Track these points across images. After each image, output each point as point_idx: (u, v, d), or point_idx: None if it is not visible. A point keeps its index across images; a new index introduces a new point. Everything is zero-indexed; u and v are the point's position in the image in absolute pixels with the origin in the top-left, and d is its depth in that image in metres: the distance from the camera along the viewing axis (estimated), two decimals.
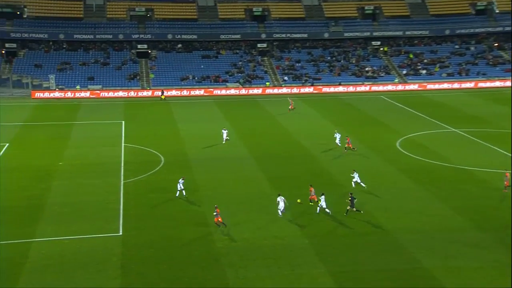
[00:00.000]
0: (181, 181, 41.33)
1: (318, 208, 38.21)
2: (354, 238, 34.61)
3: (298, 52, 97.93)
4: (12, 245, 33.19)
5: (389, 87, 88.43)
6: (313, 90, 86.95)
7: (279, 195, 38.34)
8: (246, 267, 31.17)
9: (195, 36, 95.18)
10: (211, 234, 34.90)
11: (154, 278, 30.07)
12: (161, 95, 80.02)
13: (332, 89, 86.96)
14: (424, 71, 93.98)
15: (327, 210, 37.91)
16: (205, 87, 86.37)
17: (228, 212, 38.33)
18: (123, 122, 64.73)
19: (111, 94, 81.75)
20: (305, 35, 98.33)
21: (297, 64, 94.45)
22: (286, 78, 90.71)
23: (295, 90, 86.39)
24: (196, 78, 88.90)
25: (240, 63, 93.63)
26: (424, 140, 57.37)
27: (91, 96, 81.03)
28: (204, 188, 43.17)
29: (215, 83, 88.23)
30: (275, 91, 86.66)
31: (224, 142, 54.98)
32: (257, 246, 33.60)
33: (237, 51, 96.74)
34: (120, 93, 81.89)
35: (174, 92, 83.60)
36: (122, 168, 47.82)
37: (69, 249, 32.83)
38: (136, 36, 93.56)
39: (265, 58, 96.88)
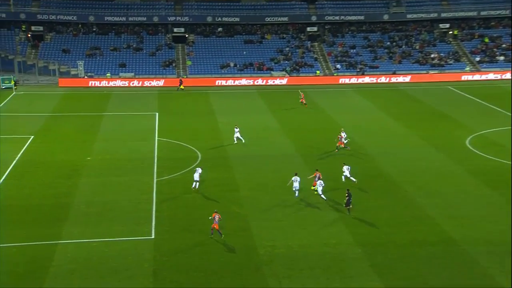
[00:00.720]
0: (198, 170, 42.64)
1: (315, 192, 41.16)
2: (415, 249, 34.07)
3: (353, 37, 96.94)
4: (37, 247, 34.21)
5: (459, 77, 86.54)
6: (369, 79, 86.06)
7: (295, 175, 41.23)
8: (290, 278, 31.18)
9: (237, 19, 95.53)
10: (252, 240, 35.07)
11: (189, 287, 30.43)
12: (179, 84, 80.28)
13: (391, 79, 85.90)
14: (501, 58, 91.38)
15: (322, 196, 40.80)
16: (248, 76, 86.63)
17: (271, 215, 38.47)
18: (157, 113, 65.71)
19: (144, 82, 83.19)
20: (362, 17, 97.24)
21: (351, 51, 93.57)
22: (338, 66, 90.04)
23: (347, 81, 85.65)
24: (237, 65, 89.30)
25: (287, 49, 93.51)
26: (499, 137, 55.89)
27: (123, 85, 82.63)
28: (245, 188, 43.41)
29: (259, 72, 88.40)
30: (326, 80, 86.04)
31: (236, 142, 53.76)
32: (304, 254, 33.58)
33: (284, 35, 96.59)
34: (154, 82, 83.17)
35: (212, 81, 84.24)
36: (155, 164, 48.58)
37: (97, 252, 33.62)
38: (173, 18, 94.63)
39: (316, 43, 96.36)
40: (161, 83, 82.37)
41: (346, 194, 38.97)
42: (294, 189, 41.12)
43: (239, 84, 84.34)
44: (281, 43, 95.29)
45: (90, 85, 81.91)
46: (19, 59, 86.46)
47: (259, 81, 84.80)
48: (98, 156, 50.84)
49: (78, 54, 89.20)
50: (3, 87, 78.43)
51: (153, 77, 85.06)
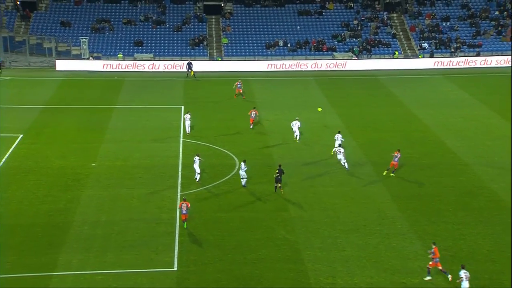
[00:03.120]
0: (196, 159, 47.21)
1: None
2: None
3: (447, 5, 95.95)
4: (25, 280, 34.71)
5: None
6: (468, 62, 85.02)
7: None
8: None
9: None
10: (305, 275, 35.05)
11: None
12: (188, 69, 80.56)
13: (500, 62, 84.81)
14: None
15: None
16: (302, 58, 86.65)
17: (330, 243, 38.36)
18: (183, 107, 66.23)
19: (166, 66, 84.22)
20: None
21: (443, 24, 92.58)
22: (425, 45, 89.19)
23: (437, 64, 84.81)
24: (289, 44, 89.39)
25: (355, 22, 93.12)
26: None
27: (138, 69, 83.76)
28: (297, 207, 43.40)
29: (317, 53, 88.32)
30: (407, 64, 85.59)
31: (188, 133, 57.97)
32: None
33: (352, 4, 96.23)
34: (179, 66, 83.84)
35: (255, 65, 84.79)
36: (180, 174, 49.03)
37: None
38: None
39: (394, 14, 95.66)
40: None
41: (277, 171, 44.86)
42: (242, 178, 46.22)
43: (291, 68, 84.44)
44: (348, 14, 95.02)
45: (96, 68, 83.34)
46: (5, 34, 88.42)
47: (317, 65, 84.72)
48: (105, 162, 51.52)
49: (81, 29, 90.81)
50: None
51: (178, 59, 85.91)
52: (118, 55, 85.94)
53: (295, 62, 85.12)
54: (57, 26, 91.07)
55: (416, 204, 43.67)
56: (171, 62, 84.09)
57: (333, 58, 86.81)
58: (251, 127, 59.40)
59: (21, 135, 57.17)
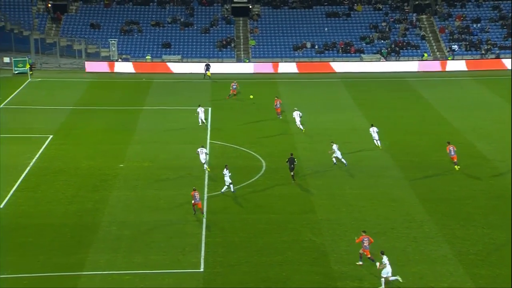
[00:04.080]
0: (203, 150, 48.82)
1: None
2: None
3: (478, 6, 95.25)
4: (54, 279, 35.06)
5: None
6: (498, 65, 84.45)
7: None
8: None
9: None
10: (332, 278, 34.96)
11: None
12: (205, 71, 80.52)
13: None
14: None
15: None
16: (330, 60, 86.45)
17: (358, 246, 38.20)
18: (210, 108, 66.45)
19: (194, 67, 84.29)
20: None
21: (474, 25, 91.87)
22: (455, 46, 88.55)
23: (467, 67, 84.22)
24: (316, 46, 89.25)
25: (383, 24, 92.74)
26: None
27: (166, 71, 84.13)
28: (323, 209, 43.34)
29: (345, 55, 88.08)
30: (437, 67, 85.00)
31: (201, 124, 60.13)
32: None
33: (380, 6, 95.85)
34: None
35: (283, 66, 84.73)
36: (207, 175, 49.20)
37: None
38: None
39: (424, 16, 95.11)
40: (216, 68, 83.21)
41: (287, 160, 46.96)
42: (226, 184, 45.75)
43: (318, 70, 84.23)
44: (376, 16, 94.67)
45: (125, 70, 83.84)
46: (36, 36, 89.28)
47: (345, 67, 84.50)
48: (133, 163, 51.89)
49: (110, 31, 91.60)
50: (16, 72, 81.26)
51: (205, 60, 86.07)
52: (146, 57, 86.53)
53: (323, 63, 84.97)
54: (87, 28, 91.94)
55: (445, 207, 43.40)
56: (199, 64, 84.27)
57: (361, 60, 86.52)
58: (280, 117, 62.73)
59: (51, 136, 57.83)
